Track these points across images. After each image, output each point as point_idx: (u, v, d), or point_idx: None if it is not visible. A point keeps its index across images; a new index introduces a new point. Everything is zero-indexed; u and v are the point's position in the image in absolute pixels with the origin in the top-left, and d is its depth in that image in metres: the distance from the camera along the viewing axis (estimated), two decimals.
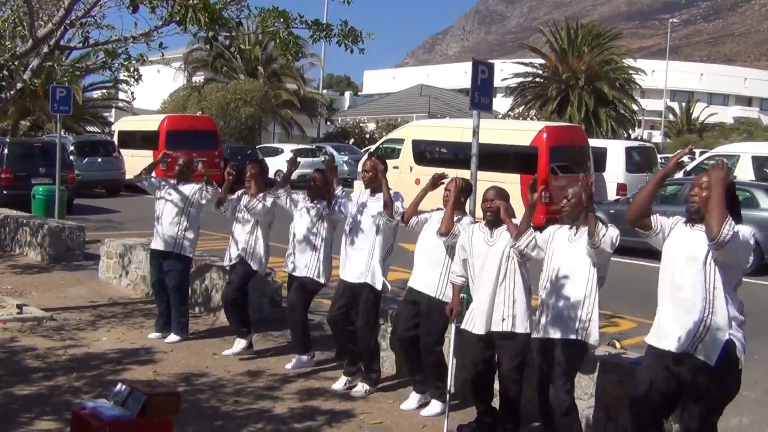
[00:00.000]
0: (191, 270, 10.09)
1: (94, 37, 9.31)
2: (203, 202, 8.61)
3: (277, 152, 31.40)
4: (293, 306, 7.61)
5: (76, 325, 9.12)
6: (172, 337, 8.58)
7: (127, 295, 10.90)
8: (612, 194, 19.68)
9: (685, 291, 4.74)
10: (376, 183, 7.20)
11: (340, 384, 7.21)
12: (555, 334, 5.50)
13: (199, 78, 43.61)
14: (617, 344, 7.15)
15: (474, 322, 6.06)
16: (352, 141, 42.66)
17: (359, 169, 22.53)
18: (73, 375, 7.21)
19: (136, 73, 9.44)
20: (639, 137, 53.87)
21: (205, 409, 6.47)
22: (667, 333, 4.80)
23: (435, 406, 6.66)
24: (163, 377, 7.27)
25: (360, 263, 7.03)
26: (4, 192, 19.51)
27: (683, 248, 4.81)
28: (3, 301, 9.92)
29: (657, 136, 65.11)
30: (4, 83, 8.27)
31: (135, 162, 26.28)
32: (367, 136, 45.44)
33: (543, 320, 5.61)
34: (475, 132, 8.60)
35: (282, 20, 9.00)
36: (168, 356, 8.00)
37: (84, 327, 9.07)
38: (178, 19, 6.29)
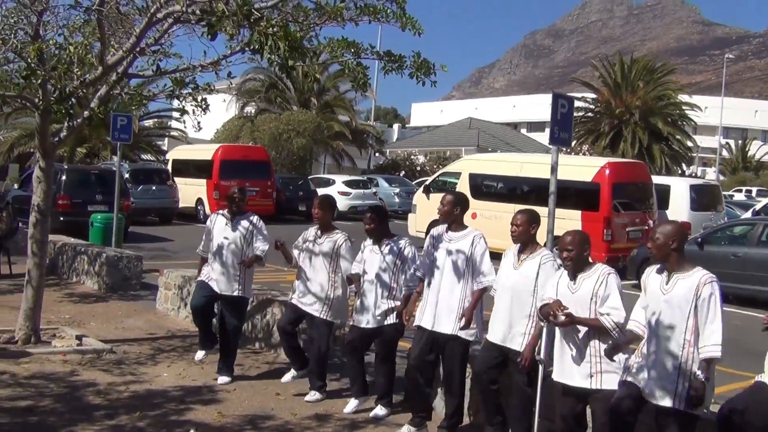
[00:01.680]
0: (252, 304, 9.87)
1: (161, 65, 9.15)
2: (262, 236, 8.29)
3: (328, 183, 31.28)
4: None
5: (135, 359, 8.89)
6: (224, 379, 8.13)
7: (185, 327, 10.66)
8: None
9: None
10: (451, 218, 6.86)
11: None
12: (660, 400, 5.12)
13: (250, 108, 43.88)
14: None
15: (561, 374, 5.67)
16: (402, 173, 42.44)
17: (414, 202, 22.31)
18: (136, 414, 6.93)
19: (204, 102, 9.25)
20: (693, 174, 52.88)
21: None
22: None
23: None
24: (228, 419, 6.96)
25: (453, 313, 6.65)
26: (61, 218, 19.52)
27: None
28: (62, 331, 9.76)
29: (710, 173, 63.91)
30: (72, 111, 8.12)
31: (188, 190, 26.44)
32: (418, 168, 45.21)
33: (643, 379, 5.20)
34: (554, 169, 8.26)
35: (352, 51, 8.77)
36: (231, 396, 7.69)
37: (144, 361, 8.83)
38: (256, 47, 6.05)
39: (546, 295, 5.83)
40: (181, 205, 25.89)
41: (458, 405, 6.76)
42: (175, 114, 37.96)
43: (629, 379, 5.32)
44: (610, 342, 5.35)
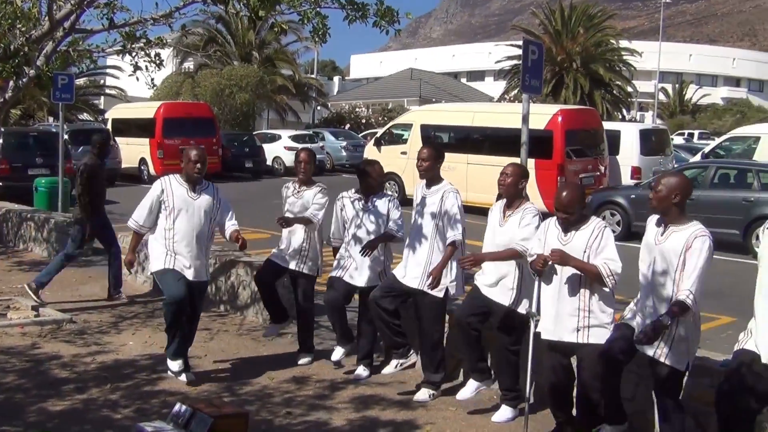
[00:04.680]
0: (215, 266, 9.58)
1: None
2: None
3: (274, 138, 30.71)
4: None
5: (98, 328, 8.56)
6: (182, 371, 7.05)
7: (144, 292, 10.34)
8: (626, 178, 19.27)
9: None
10: (432, 173, 6.66)
11: (390, 368, 6.83)
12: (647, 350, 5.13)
13: (189, 64, 42.72)
14: None
15: (545, 327, 5.59)
16: (348, 126, 41.98)
17: (365, 155, 21.99)
18: (107, 386, 6.64)
19: (158, 57, 8.80)
20: (633, 119, 53.55)
21: (258, 424, 5.91)
22: None
23: (506, 412, 6.20)
24: (203, 387, 6.73)
25: (419, 267, 6.52)
26: (0, 184, 18.78)
27: None
28: (16, 302, 9.34)
29: (648, 118, 64.80)
30: (18, 70, 7.65)
31: (130, 150, 25.66)
32: (363, 121, 44.77)
33: (637, 324, 5.21)
34: (525, 119, 8.13)
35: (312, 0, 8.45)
36: (202, 362, 7.43)
37: (107, 330, 8.51)
38: None
39: (532, 249, 5.72)
40: (123, 165, 25.13)
41: (440, 361, 6.65)
42: (111, 71, 36.61)
43: (625, 321, 5.31)
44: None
